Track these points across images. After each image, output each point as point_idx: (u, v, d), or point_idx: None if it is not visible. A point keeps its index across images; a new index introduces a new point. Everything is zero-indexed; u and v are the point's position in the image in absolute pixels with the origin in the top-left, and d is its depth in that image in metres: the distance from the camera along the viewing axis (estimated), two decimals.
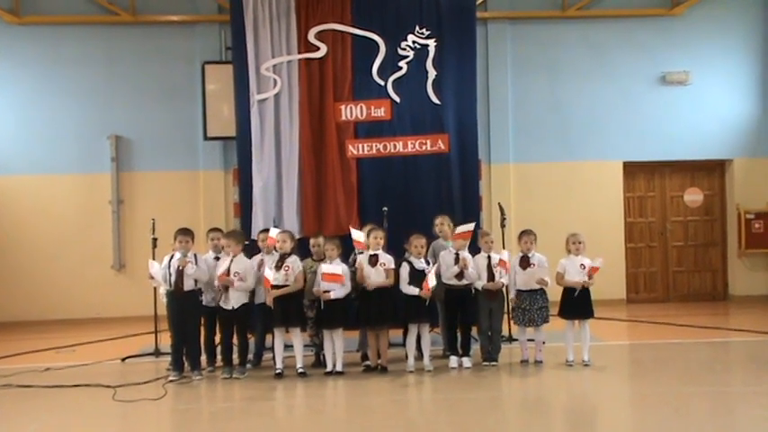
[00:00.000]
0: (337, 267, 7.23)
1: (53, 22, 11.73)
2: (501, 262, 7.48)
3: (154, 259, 7.78)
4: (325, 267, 7.20)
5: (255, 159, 9.41)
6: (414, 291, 7.25)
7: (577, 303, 7.41)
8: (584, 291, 7.42)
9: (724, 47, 12.13)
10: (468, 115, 9.60)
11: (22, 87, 11.74)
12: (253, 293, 7.49)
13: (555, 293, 7.64)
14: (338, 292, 7.24)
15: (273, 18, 9.48)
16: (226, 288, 7.26)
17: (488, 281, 7.49)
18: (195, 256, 7.33)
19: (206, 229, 8.43)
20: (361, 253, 7.56)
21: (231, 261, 7.29)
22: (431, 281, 7.13)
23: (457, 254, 7.47)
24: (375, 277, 7.29)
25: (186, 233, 7.31)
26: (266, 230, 8.02)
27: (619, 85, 12.02)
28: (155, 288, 7.96)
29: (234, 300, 7.29)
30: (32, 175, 11.67)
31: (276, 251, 7.47)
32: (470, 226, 7.65)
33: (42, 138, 11.69)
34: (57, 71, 11.74)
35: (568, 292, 7.47)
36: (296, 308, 7.34)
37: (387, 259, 7.38)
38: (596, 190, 11.94)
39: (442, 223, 8.08)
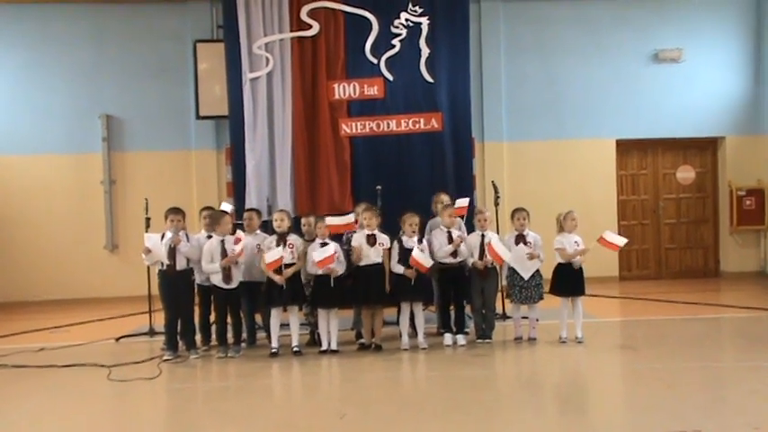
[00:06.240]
0: (327, 249, 7.14)
1: (40, 1, 11.56)
2: (489, 247, 7.36)
3: None
4: (316, 256, 7.13)
5: (248, 138, 9.39)
6: (401, 269, 7.27)
7: (571, 280, 7.43)
8: (578, 268, 7.45)
9: (717, 24, 12.10)
10: (462, 93, 9.60)
11: (10, 67, 11.63)
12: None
13: (546, 271, 7.66)
14: (341, 268, 7.27)
15: None
16: (228, 269, 7.25)
17: (480, 259, 7.47)
18: (186, 235, 7.32)
19: (198, 208, 8.43)
20: (355, 233, 7.52)
21: (223, 241, 7.27)
22: (419, 258, 7.08)
23: (449, 232, 7.47)
24: (374, 257, 7.29)
25: (177, 212, 7.29)
26: (253, 210, 8.01)
27: (611, 63, 11.99)
28: (148, 267, 7.93)
29: (236, 279, 7.29)
30: (23, 155, 11.59)
31: (276, 232, 7.45)
32: (465, 201, 7.61)
33: (32, 118, 11.60)
34: (45, 51, 11.62)
35: (562, 269, 7.48)
36: (299, 286, 7.37)
37: (384, 239, 7.38)
38: (589, 168, 11.94)
39: (441, 202, 7.93)
